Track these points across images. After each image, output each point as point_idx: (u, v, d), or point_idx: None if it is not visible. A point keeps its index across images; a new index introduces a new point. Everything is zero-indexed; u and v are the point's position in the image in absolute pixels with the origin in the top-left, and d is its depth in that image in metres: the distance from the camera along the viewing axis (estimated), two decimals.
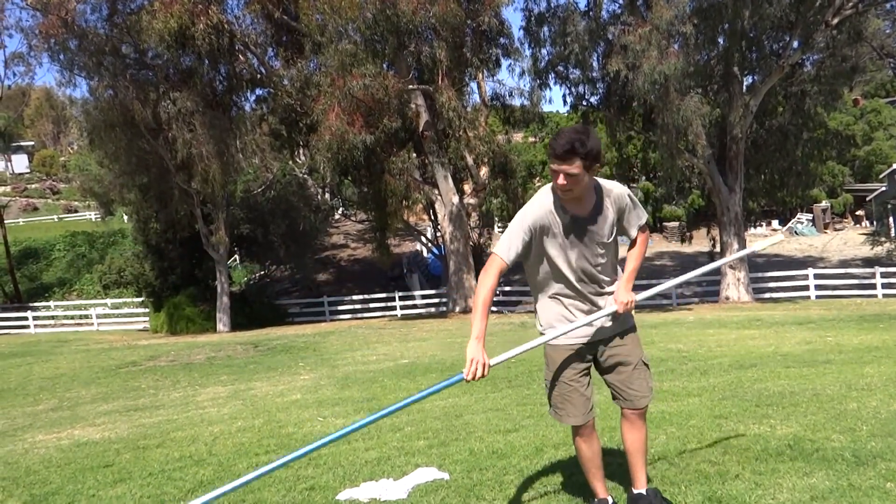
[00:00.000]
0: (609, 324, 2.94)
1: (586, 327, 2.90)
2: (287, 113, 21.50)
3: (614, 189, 2.91)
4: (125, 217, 35.46)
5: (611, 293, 2.94)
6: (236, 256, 31.86)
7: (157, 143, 20.93)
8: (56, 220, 47.28)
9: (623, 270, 3.00)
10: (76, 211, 49.50)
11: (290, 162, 29.95)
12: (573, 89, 22.55)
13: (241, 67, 21.45)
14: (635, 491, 3.02)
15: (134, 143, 21.24)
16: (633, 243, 3.07)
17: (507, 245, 2.80)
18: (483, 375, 2.65)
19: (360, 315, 25.87)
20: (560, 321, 2.93)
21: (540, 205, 2.82)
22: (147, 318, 26.18)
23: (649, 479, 3.15)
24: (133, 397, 8.73)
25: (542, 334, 2.96)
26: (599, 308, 2.92)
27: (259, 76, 21.79)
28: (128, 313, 28.08)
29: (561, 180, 2.69)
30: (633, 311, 2.98)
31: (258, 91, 23.49)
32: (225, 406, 7.36)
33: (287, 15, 20.26)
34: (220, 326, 22.59)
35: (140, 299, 27.15)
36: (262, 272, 32.58)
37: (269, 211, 27.09)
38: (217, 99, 21.66)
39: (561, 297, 2.93)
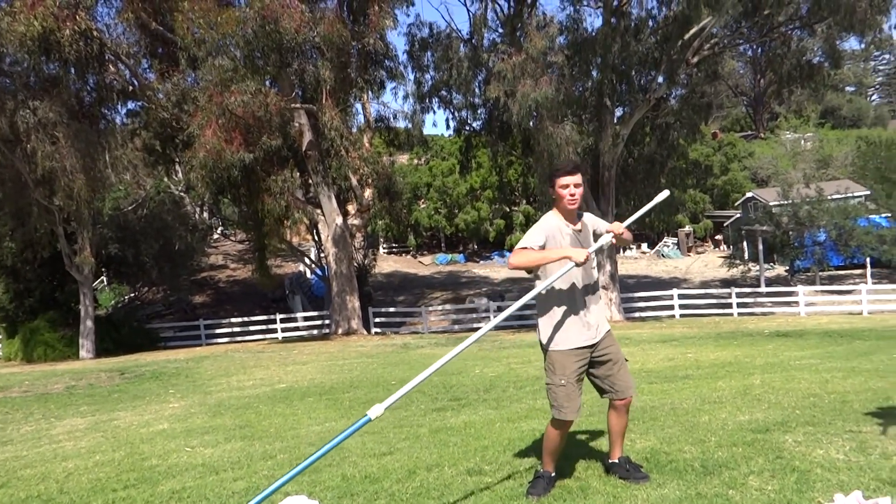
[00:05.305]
0: (602, 324, 3.60)
1: (586, 331, 3.52)
2: (162, 128, 20.57)
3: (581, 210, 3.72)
4: None
5: (598, 298, 3.64)
6: (104, 278, 30.01)
7: (13, 156, 19.40)
8: None
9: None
10: None
11: (165, 179, 28.66)
12: (456, 114, 23.09)
13: (112, 78, 20.29)
14: (611, 461, 3.78)
15: None
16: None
17: (533, 239, 3.46)
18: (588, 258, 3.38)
19: (238, 338, 24.96)
20: (565, 316, 3.51)
21: (549, 221, 3.55)
22: None
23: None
24: None
25: (547, 341, 3.55)
26: (591, 310, 3.57)
27: (132, 88, 20.68)
28: None
29: (572, 192, 3.48)
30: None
31: (130, 104, 22.32)
32: (83, 439, 6.87)
33: (163, 26, 19.40)
34: (83, 353, 21.08)
35: None
36: (133, 294, 30.78)
37: (141, 230, 25.75)
38: (84, 110, 20.34)
39: (565, 294, 3.52)
